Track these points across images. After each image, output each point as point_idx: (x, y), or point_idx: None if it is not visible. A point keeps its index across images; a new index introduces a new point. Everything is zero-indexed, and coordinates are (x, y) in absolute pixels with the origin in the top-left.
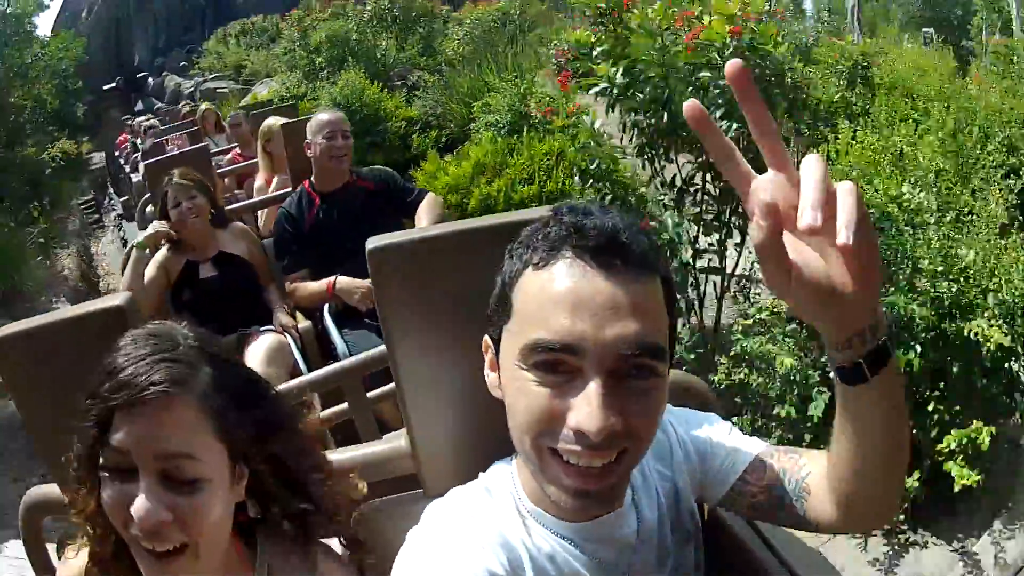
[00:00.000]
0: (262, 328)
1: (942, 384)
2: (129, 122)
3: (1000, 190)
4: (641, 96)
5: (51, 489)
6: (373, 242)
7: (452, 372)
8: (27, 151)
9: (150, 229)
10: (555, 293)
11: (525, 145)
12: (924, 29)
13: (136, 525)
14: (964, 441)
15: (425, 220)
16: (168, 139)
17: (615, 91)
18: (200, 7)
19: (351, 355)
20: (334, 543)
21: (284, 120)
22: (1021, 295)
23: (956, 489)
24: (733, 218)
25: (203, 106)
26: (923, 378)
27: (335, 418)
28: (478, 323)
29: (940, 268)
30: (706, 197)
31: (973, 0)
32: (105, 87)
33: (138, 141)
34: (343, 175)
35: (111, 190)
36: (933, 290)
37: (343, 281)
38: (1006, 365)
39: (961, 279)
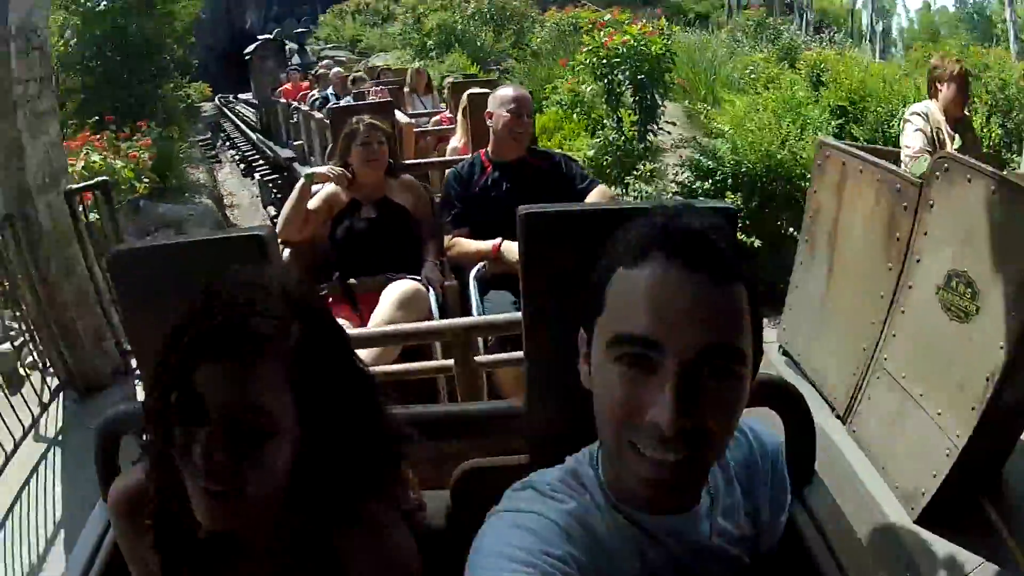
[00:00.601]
0: (409, 276)
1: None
2: (315, 71)
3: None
4: (596, 72)
5: (134, 407)
6: (527, 208)
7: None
8: (166, 87)
9: (323, 168)
10: (642, 291)
11: (576, 116)
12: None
13: (196, 463)
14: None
15: None
16: (370, 91)
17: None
18: None
19: None
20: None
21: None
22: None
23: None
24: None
25: (415, 65)
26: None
27: (442, 371)
28: None
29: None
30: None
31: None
32: (260, 36)
33: (329, 91)
34: (519, 150)
35: (225, 132)
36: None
37: (509, 243)
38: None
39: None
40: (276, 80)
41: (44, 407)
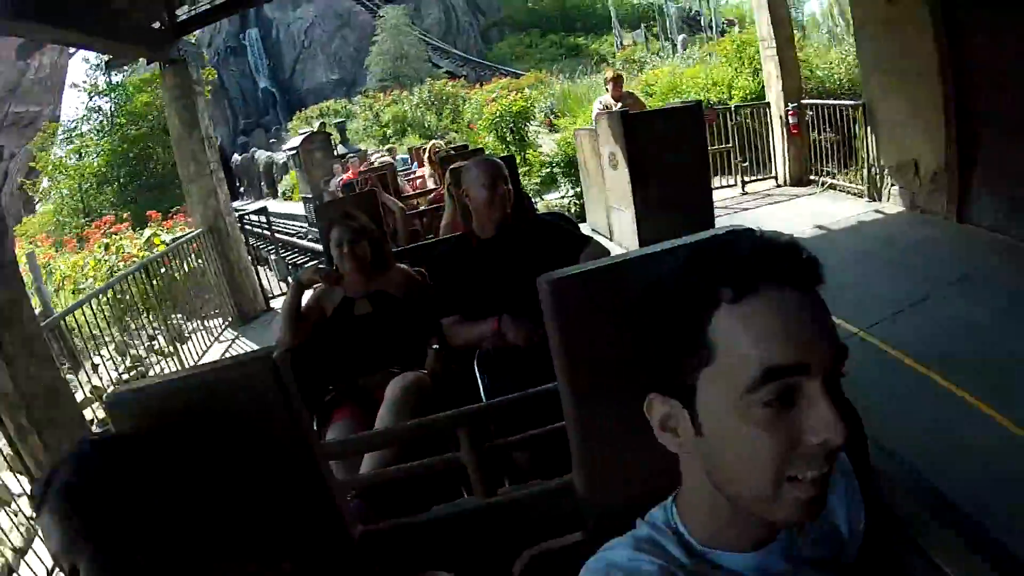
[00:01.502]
0: (412, 369)
1: None
2: (372, 160)
3: None
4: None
5: None
6: (549, 276)
7: (628, 409)
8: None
9: (309, 270)
10: (768, 320)
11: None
12: None
13: None
14: None
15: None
16: (360, 180)
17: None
18: (271, 94)
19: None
20: None
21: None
22: None
23: None
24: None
25: (431, 143)
26: None
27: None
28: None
29: None
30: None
31: None
32: (303, 131)
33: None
34: (501, 221)
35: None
36: None
37: (508, 319)
38: None
39: None
40: (327, 170)
41: (227, 325)
